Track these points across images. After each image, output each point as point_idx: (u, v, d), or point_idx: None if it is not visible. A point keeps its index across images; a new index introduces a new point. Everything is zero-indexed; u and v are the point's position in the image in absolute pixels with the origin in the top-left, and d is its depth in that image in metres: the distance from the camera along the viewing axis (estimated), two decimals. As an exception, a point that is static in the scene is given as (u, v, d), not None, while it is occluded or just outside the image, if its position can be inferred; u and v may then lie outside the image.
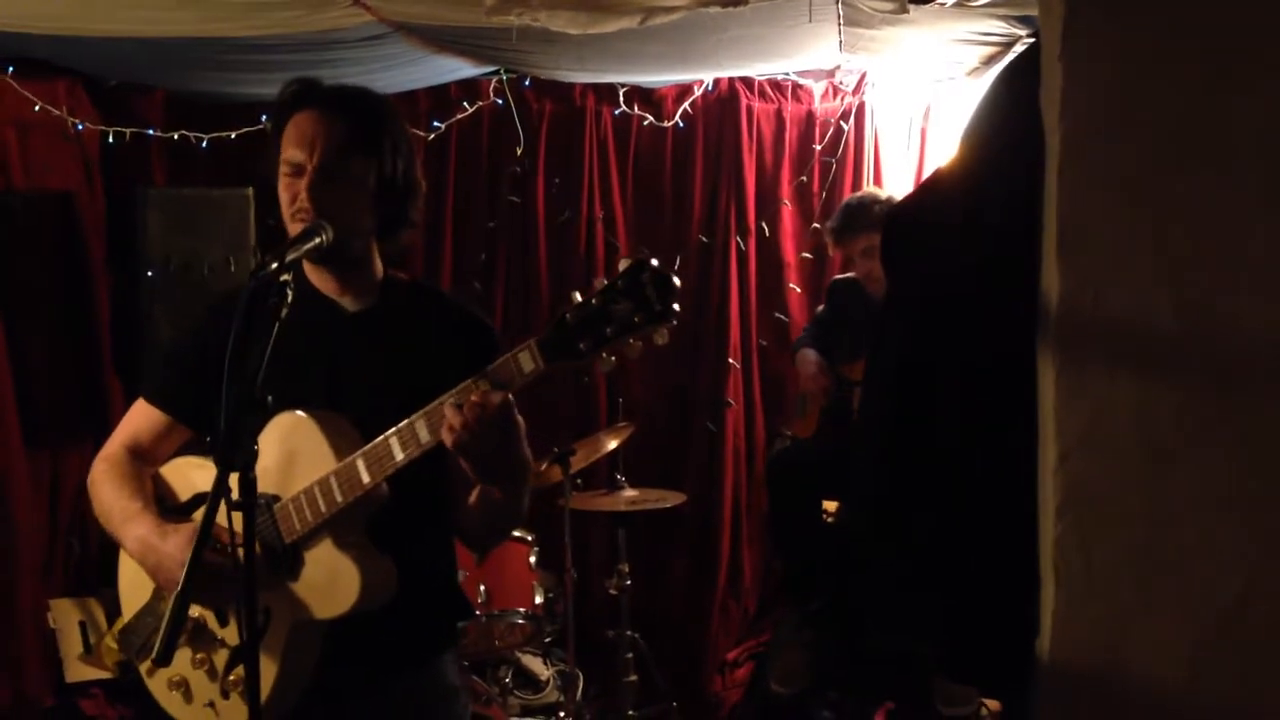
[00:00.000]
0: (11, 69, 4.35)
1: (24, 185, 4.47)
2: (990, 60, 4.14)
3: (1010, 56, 3.91)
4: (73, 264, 4.59)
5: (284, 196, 2.07)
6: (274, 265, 1.81)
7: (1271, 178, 1.91)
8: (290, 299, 1.81)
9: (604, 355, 1.76)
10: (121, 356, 4.63)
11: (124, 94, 4.72)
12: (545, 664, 4.57)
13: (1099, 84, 1.96)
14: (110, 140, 4.65)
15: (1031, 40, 2.21)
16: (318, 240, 1.96)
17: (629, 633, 4.27)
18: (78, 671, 4.41)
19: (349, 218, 2.06)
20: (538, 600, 4.08)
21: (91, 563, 4.61)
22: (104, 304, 4.63)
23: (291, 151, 2.06)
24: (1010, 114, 2.17)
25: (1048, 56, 2.02)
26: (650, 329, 1.73)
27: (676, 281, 1.72)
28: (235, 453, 1.68)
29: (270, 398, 1.71)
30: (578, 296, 1.76)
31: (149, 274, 4.40)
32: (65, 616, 4.50)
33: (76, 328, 4.60)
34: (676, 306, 1.72)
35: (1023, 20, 3.51)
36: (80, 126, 4.55)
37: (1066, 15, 1.95)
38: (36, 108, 4.41)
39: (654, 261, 1.72)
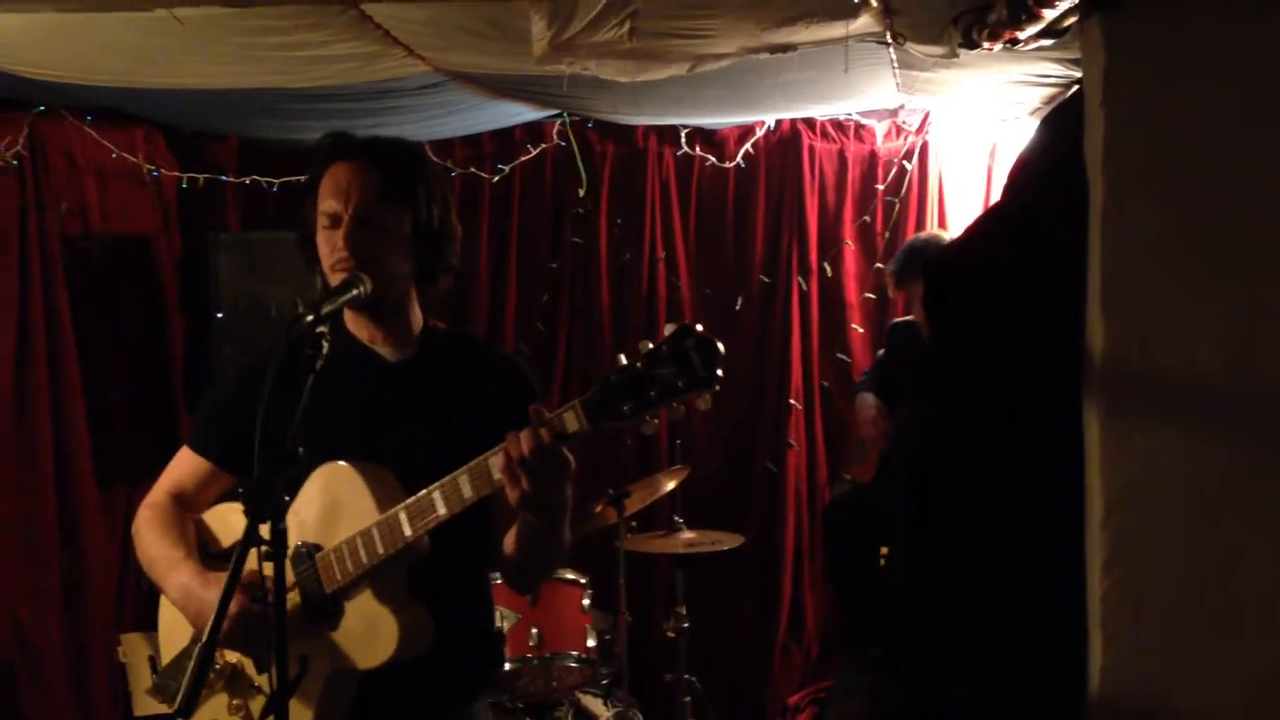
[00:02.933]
0: (90, 118, 4.52)
1: (102, 230, 4.63)
2: (1052, 100, 4.09)
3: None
4: (148, 306, 4.74)
5: (324, 249, 2.13)
6: (309, 318, 1.85)
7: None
8: (326, 350, 1.84)
9: (647, 418, 1.78)
10: (193, 397, 4.74)
11: (199, 141, 4.88)
12: (605, 705, 4.54)
13: (1141, 132, 1.93)
14: (185, 185, 4.81)
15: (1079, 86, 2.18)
16: (356, 292, 2.00)
17: (687, 676, 4.23)
18: (146, 705, 4.47)
19: (386, 265, 2.11)
20: (590, 643, 4.06)
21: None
22: (178, 345, 4.77)
23: (328, 203, 2.12)
24: (1054, 161, 2.15)
25: (1090, 104, 1.99)
26: (693, 394, 1.74)
27: (720, 347, 1.73)
28: (265, 504, 1.71)
29: (302, 449, 1.74)
30: (623, 359, 1.77)
31: (219, 315, 4.53)
32: (135, 651, 4.58)
33: (150, 369, 4.73)
34: (720, 372, 1.73)
35: (1075, 63, 3.46)
36: (156, 173, 4.71)
37: (1108, 63, 1.93)
38: (114, 155, 4.57)
39: (699, 327, 1.74)
